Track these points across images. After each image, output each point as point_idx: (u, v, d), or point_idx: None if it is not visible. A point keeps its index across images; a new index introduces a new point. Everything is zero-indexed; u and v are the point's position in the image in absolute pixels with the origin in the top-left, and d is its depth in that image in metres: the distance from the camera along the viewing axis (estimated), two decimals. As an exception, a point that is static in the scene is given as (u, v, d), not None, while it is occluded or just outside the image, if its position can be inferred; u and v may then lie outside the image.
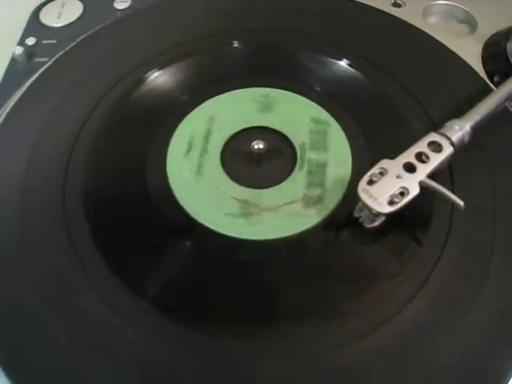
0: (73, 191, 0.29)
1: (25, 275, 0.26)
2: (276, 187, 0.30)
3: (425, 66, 0.35)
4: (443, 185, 0.26)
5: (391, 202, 0.25)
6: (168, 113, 0.33)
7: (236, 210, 0.29)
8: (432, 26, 0.40)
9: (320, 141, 0.31)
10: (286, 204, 0.29)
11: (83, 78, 0.34)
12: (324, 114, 0.33)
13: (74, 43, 0.36)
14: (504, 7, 0.40)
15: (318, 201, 0.29)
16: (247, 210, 0.29)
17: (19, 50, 0.37)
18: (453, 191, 0.26)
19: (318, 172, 0.30)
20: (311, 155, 0.31)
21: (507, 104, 0.31)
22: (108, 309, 0.25)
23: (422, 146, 0.27)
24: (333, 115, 0.32)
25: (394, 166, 0.26)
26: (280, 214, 0.28)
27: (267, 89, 0.34)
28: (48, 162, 0.30)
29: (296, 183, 0.30)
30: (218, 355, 0.24)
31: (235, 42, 0.36)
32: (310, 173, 0.30)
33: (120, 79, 0.34)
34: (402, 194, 0.26)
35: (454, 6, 0.40)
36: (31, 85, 0.34)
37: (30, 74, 0.35)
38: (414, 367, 0.24)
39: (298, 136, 0.32)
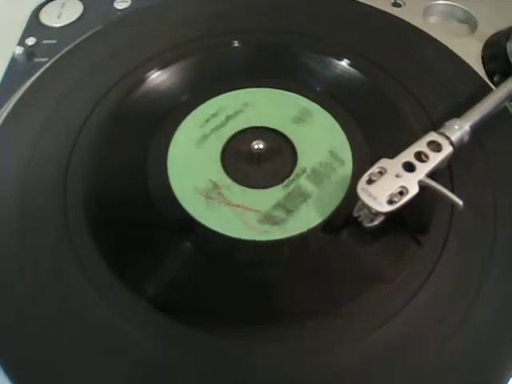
0: (73, 191, 0.29)
1: (25, 275, 0.26)
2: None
3: (425, 66, 0.35)
4: (443, 184, 0.26)
5: (390, 202, 0.25)
6: (168, 113, 0.33)
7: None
8: (432, 25, 0.40)
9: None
10: (246, 208, 0.29)
11: (83, 77, 0.34)
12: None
13: (74, 43, 0.36)
14: (504, 7, 0.40)
15: (277, 223, 0.28)
16: (210, 195, 0.29)
17: (19, 50, 0.37)
18: (452, 191, 0.26)
19: (295, 199, 0.29)
20: (302, 181, 0.30)
21: (507, 104, 0.31)
22: (108, 308, 0.25)
23: (421, 145, 0.27)
24: (333, 115, 0.32)
25: (393, 165, 0.26)
26: (234, 213, 0.28)
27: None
28: (48, 162, 0.30)
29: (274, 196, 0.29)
30: (217, 355, 0.24)
31: (235, 41, 0.36)
32: (288, 195, 0.29)
33: (120, 79, 0.34)
34: (402, 193, 0.26)
35: (454, 5, 0.41)
36: (31, 85, 0.34)
37: (29, 74, 0.35)
38: (414, 367, 0.24)
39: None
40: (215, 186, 0.30)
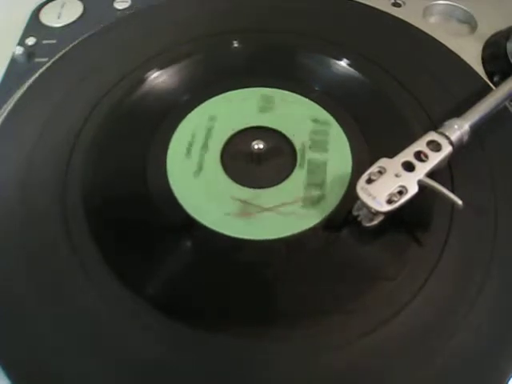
0: (73, 191, 0.29)
1: (25, 275, 0.26)
2: (276, 187, 0.30)
3: (425, 66, 0.35)
4: (443, 184, 0.26)
5: (390, 201, 0.25)
6: (168, 113, 0.33)
7: (236, 210, 0.29)
8: (432, 25, 0.40)
9: (320, 141, 0.31)
10: (285, 204, 0.29)
11: (83, 78, 0.34)
12: (324, 114, 0.33)
13: (74, 43, 0.36)
14: (504, 7, 0.40)
15: (318, 201, 0.29)
16: (247, 210, 0.29)
17: (19, 50, 0.37)
18: (453, 191, 0.26)
19: (318, 172, 0.30)
20: (311, 155, 0.31)
21: (507, 104, 0.31)
22: (108, 309, 0.25)
23: (421, 145, 0.27)
24: (333, 115, 0.32)
25: (392, 164, 0.26)
26: (280, 214, 0.28)
27: (267, 89, 0.34)
28: (48, 162, 0.30)
29: (296, 183, 0.30)
30: (218, 355, 0.24)
31: (235, 41, 0.36)
32: (310, 172, 0.30)
33: (120, 79, 0.34)
34: (401, 192, 0.26)
35: (454, 5, 0.40)
36: (31, 85, 0.34)
37: (29, 74, 0.35)
38: (413, 367, 0.24)
39: (298, 136, 0.32)
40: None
